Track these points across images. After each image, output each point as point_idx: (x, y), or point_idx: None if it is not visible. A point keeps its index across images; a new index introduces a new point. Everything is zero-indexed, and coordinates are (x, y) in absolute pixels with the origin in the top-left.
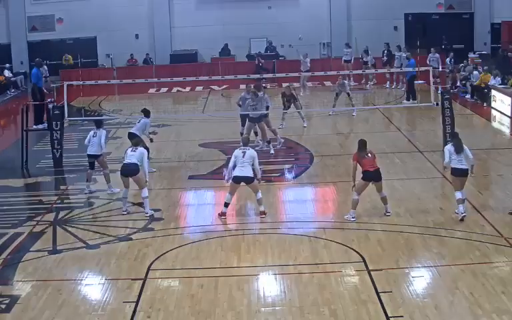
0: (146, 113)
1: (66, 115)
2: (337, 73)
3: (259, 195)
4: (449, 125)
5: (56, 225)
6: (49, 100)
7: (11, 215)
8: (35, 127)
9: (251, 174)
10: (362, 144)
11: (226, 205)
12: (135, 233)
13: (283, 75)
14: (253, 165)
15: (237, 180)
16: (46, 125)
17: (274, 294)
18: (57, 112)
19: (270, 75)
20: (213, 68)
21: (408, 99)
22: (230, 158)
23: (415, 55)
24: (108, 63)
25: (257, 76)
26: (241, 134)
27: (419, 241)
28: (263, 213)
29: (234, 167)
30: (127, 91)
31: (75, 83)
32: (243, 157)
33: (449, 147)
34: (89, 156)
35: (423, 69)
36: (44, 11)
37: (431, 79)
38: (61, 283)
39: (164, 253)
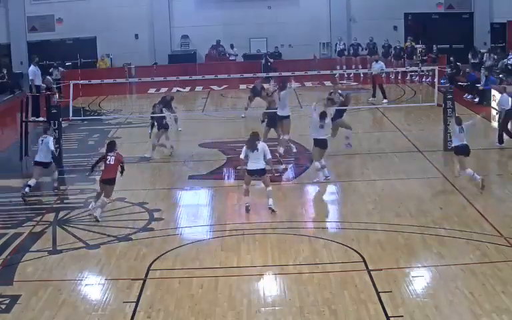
0: None
1: (71, 114)
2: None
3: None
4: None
5: (56, 225)
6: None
7: (11, 215)
8: (32, 118)
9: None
10: None
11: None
12: (135, 232)
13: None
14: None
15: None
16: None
17: (274, 294)
18: (54, 111)
19: (276, 74)
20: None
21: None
22: (229, 157)
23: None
24: (108, 62)
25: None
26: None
27: (418, 240)
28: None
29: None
30: (127, 91)
31: (81, 82)
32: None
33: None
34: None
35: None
36: (44, 11)
37: (436, 80)
38: (61, 283)
39: (164, 253)
